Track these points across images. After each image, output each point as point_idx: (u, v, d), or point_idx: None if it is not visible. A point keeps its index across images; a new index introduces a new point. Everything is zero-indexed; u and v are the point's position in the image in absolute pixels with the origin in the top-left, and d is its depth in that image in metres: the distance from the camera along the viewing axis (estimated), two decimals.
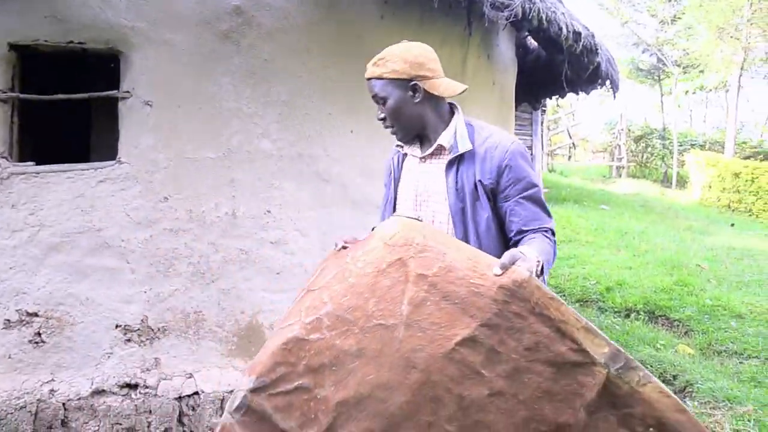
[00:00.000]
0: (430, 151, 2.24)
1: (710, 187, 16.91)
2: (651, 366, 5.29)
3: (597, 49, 4.65)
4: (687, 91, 29.77)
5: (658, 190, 19.54)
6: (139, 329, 3.44)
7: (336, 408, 1.79)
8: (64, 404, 3.33)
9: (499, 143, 2.15)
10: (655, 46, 25.68)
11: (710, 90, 30.08)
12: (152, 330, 3.47)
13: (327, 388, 1.80)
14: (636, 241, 10.54)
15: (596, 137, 31.65)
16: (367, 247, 1.96)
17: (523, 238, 2.12)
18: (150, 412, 3.43)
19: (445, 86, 2.19)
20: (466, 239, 2.17)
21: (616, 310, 7.04)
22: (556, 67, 5.67)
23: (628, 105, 25.84)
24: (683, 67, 26.08)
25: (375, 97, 2.22)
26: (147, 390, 3.46)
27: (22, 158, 3.47)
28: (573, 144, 24.64)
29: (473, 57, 4.66)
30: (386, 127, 2.28)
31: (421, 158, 2.29)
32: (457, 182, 2.19)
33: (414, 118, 2.21)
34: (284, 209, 3.71)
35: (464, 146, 2.17)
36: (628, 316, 6.85)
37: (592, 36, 4.76)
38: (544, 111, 15.33)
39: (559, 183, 17.92)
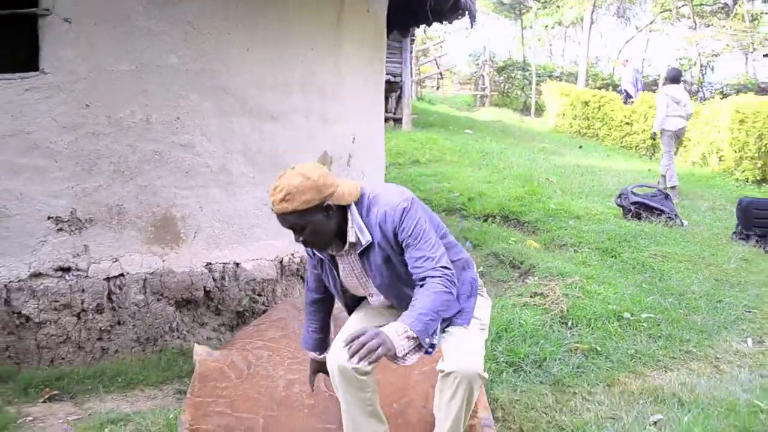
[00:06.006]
0: (345, 249, 2.54)
1: (563, 114, 18.46)
2: (503, 255, 6.34)
3: None
4: (546, 26, 31.55)
5: (518, 118, 21.03)
6: (68, 220, 3.96)
7: None
8: (5, 286, 3.84)
9: (386, 215, 2.43)
10: None
11: (568, 25, 32.02)
12: (80, 221, 3.99)
13: None
14: (495, 160, 11.70)
15: (462, 69, 32.99)
16: None
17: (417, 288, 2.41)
18: (83, 291, 4.01)
19: (348, 192, 2.44)
20: (400, 295, 2.58)
21: (476, 216, 8.09)
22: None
23: (491, 38, 27.24)
24: (542, 2, 27.61)
25: (292, 227, 2.41)
26: (79, 272, 4.02)
27: None
28: (440, 74, 25.71)
29: None
30: (307, 245, 2.55)
31: (339, 254, 2.59)
32: (371, 266, 2.54)
33: (331, 230, 2.45)
34: (191, 117, 4.28)
35: (365, 239, 2.46)
36: (486, 220, 7.91)
37: None
38: (413, 40, 16.09)
39: (427, 110, 18.94)
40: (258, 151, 4.64)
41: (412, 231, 2.41)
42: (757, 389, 3.53)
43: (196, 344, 3.94)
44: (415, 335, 2.23)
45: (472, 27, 6.80)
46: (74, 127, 3.92)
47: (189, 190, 4.34)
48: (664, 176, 9.99)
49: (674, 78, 10.25)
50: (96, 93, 3.96)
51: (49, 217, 3.92)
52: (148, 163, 4.16)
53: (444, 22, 7.24)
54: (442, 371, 2.48)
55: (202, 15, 4.25)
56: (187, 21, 4.20)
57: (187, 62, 4.23)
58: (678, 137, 10.20)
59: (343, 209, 2.47)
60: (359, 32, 5.62)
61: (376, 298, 2.72)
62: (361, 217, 2.48)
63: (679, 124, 9.89)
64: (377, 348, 2.14)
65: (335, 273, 2.68)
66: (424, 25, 8.62)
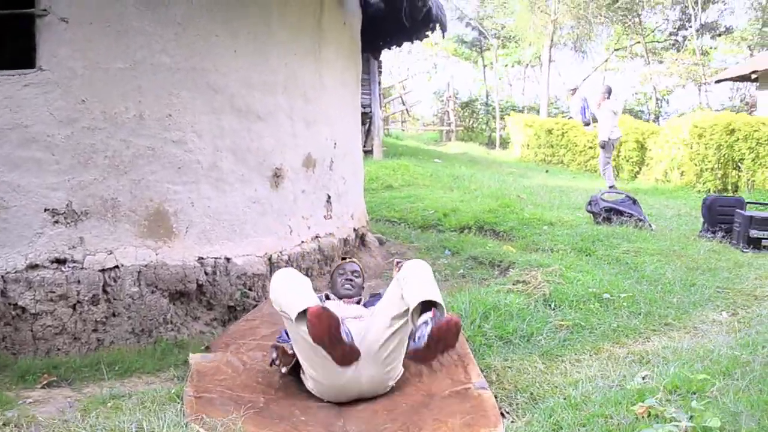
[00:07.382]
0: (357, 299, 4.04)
1: (528, 145, 18.93)
2: (482, 258, 6.52)
3: None
4: (507, 65, 32.45)
5: (484, 150, 21.55)
6: (64, 212, 4.04)
7: None
8: (2, 277, 3.90)
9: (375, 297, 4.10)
10: (477, 20, 27.88)
11: (527, 64, 32.94)
12: (76, 213, 4.08)
13: None
14: (466, 183, 11.98)
15: (425, 112, 33.69)
16: None
17: None
18: (78, 282, 4.07)
19: None
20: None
21: (451, 229, 8.28)
22: (393, 16, 6.66)
23: (454, 77, 27.88)
24: (502, 40, 28.48)
25: (355, 272, 4.17)
26: (75, 264, 4.08)
27: None
28: (407, 110, 26.15)
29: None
30: (354, 288, 4.07)
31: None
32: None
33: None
34: (183, 114, 4.43)
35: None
36: (462, 232, 8.10)
37: None
38: (380, 72, 16.47)
39: (395, 144, 19.31)
40: (246, 149, 4.79)
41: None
42: (734, 344, 3.72)
43: (190, 354, 3.96)
44: None
45: (443, 37, 7.09)
46: (71, 122, 4.04)
47: (181, 186, 4.45)
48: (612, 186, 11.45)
49: (610, 92, 12.10)
50: (92, 89, 4.10)
51: (45, 209, 4.01)
52: (142, 158, 4.28)
53: (414, 40, 7.52)
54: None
55: (190, 17, 4.43)
56: (177, 22, 4.37)
57: (178, 61, 4.39)
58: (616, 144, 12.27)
59: None
60: (337, 42, 5.85)
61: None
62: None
63: (618, 133, 11.97)
64: None
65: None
66: (394, 46, 8.88)
